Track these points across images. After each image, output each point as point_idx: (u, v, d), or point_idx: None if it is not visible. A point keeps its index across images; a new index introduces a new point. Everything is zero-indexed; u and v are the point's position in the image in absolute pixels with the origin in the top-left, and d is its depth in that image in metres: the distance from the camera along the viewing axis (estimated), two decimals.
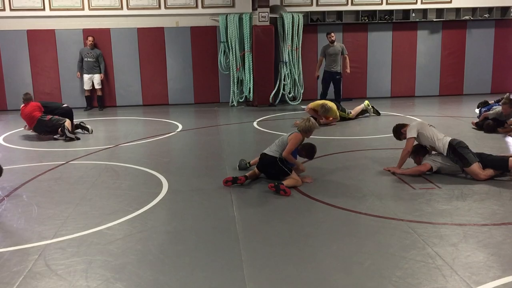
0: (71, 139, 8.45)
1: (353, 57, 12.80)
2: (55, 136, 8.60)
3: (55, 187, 5.89)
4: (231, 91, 12.28)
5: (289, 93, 12.39)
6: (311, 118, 5.97)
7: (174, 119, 10.37)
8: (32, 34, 11.92)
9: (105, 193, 5.62)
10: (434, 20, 12.97)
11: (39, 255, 3.98)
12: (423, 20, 12.97)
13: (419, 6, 12.88)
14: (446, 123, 9.38)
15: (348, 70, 11.44)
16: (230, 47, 12.02)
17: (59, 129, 8.53)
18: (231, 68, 12.18)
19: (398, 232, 4.29)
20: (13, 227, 4.68)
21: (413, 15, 12.85)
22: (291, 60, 12.14)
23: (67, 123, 8.64)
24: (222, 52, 12.12)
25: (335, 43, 11.25)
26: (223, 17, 11.94)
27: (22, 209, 5.09)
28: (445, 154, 5.89)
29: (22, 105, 8.71)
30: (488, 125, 8.40)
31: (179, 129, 9.40)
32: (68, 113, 8.96)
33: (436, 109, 11.50)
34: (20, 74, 12.01)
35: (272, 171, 5.83)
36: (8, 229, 4.63)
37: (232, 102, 12.30)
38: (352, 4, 12.72)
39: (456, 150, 5.81)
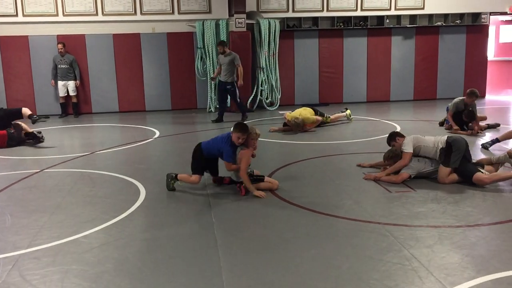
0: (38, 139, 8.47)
1: (329, 63, 12.96)
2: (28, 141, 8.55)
3: (29, 196, 5.78)
4: (209, 97, 12.27)
5: (267, 98, 12.44)
6: (254, 128, 5.89)
7: (151, 126, 10.29)
8: (5, 40, 11.70)
9: (81, 201, 5.54)
10: (408, 26, 13.22)
11: (13, 265, 3.89)
12: (397, 26, 13.20)
13: (393, 12, 13.11)
14: (420, 127, 9.55)
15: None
16: (207, 53, 12.02)
17: (25, 135, 8.51)
18: (208, 74, 12.17)
19: (375, 235, 4.34)
20: None
21: (387, 21, 13.08)
22: (268, 65, 12.21)
23: (24, 126, 8.57)
24: (199, 58, 12.11)
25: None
26: (199, 23, 11.94)
27: None
28: (438, 153, 5.88)
29: None
30: (468, 114, 8.63)
31: (156, 136, 9.34)
32: (15, 114, 8.83)
33: (410, 113, 11.70)
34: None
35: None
36: None
37: (210, 108, 12.28)
38: (327, 10, 12.87)
39: (451, 146, 5.82)
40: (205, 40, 11.96)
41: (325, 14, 12.89)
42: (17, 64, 11.86)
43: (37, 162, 7.39)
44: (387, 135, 6.37)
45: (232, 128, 5.80)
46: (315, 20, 12.92)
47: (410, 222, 4.65)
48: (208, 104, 12.28)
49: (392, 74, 13.44)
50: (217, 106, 11.03)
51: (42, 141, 8.61)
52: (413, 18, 13.21)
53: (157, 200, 5.53)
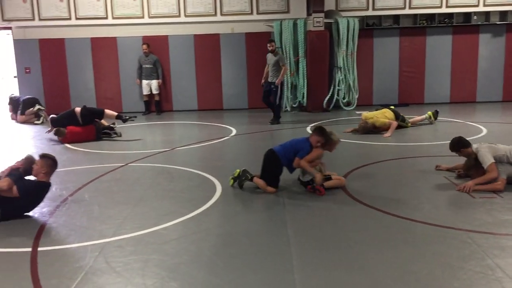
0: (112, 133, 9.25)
1: (411, 62, 12.53)
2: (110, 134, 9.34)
3: (114, 188, 6.13)
4: (285, 96, 12.32)
5: (344, 98, 12.27)
6: (334, 134, 5.85)
7: (228, 124, 10.51)
8: (96, 42, 12.48)
9: (161, 195, 5.79)
10: (497, 23, 12.44)
11: (99, 252, 4.15)
12: (485, 23, 12.47)
13: (481, 8, 12.40)
14: (509, 130, 8.97)
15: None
16: (284, 53, 12.07)
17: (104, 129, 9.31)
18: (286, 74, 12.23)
19: (456, 242, 4.15)
20: (76, 225, 4.91)
21: (475, 18, 12.39)
22: (345, 65, 12.04)
23: (102, 122, 9.44)
24: None
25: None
26: (277, 23, 12.02)
27: (85, 208, 5.33)
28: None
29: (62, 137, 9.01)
30: None
31: (233, 134, 9.53)
32: (96, 113, 9.51)
33: (498, 115, 11.01)
34: (83, 80, 12.59)
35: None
36: (72, 226, 4.87)
37: (286, 107, 12.33)
38: (409, 7, 12.44)
39: None
40: (283, 39, 12.02)
41: (407, 11, 12.46)
42: (106, 64, 12.60)
43: (122, 157, 7.81)
44: (454, 140, 6.02)
45: (311, 130, 5.77)
46: (396, 18, 12.53)
47: (496, 230, 4.39)
48: (284, 103, 12.32)
49: (479, 73, 12.72)
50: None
51: (120, 135, 9.27)
52: (503, 14, 12.41)
53: (232, 196, 5.65)
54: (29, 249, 4.23)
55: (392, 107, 9.77)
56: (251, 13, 12.45)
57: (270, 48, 10.50)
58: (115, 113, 9.64)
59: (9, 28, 12.29)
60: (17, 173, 5.09)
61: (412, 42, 12.57)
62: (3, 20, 12.20)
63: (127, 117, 9.63)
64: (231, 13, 12.45)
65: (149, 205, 5.44)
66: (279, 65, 10.43)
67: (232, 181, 5.92)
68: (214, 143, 8.79)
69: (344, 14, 12.25)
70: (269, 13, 12.41)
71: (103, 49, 12.52)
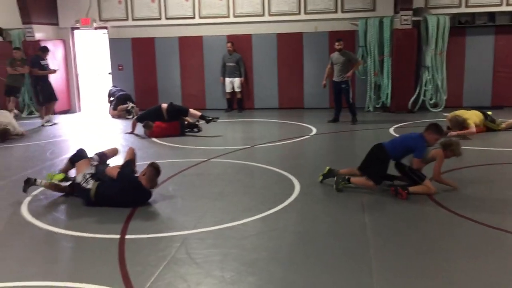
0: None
1: (507, 62, 11.75)
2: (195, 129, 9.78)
3: (197, 182, 6.34)
4: (368, 96, 12.05)
5: (431, 99, 11.77)
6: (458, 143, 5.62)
7: (309, 123, 10.47)
8: (183, 41, 12.95)
9: (241, 191, 5.91)
10: None
11: (181, 243, 4.33)
12: None
13: None
14: None
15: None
16: (369, 52, 11.80)
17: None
18: (368, 73, 11.96)
19: None
20: (161, 216, 5.16)
21: None
22: (434, 65, 11.53)
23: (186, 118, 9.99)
24: (360, 57, 11.94)
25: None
26: (362, 21, 11.77)
27: (168, 200, 5.57)
28: None
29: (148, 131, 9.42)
30: None
31: (313, 133, 9.48)
32: (181, 111, 9.95)
33: None
34: (171, 77, 13.12)
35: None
36: (156, 217, 5.12)
37: (368, 107, 12.05)
38: (507, 4, 11.64)
39: None
40: (367, 38, 11.76)
41: (504, 8, 11.67)
42: (192, 62, 13.05)
43: (204, 152, 8.06)
44: None
45: (425, 128, 5.60)
46: (491, 15, 11.78)
47: None
48: (367, 103, 12.06)
49: None
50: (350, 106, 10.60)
51: (201, 130, 9.72)
52: None
53: (311, 195, 5.64)
54: (118, 236, 4.50)
55: (489, 112, 9.24)
56: (336, 11, 12.29)
57: (338, 47, 10.30)
58: (199, 113, 10.01)
59: (105, 27, 13.10)
60: (127, 167, 5.57)
61: (509, 41, 11.76)
62: (100, 20, 13.03)
63: (210, 118, 9.94)
64: (315, 12, 12.37)
65: (229, 200, 5.57)
66: (348, 64, 10.23)
67: (321, 177, 5.97)
68: (294, 141, 8.80)
69: (434, 11, 11.72)
70: (354, 11, 12.18)
71: (190, 47, 12.97)
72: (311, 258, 3.98)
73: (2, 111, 10.13)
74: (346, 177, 5.71)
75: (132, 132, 9.72)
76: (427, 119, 10.75)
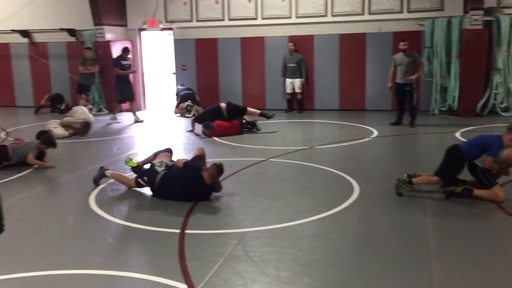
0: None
1: None
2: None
3: (255, 181, 6.40)
4: (433, 99, 11.65)
5: (501, 103, 11.20)
6: None
7: (370, 125, 10.27)
8: (245, 41, 13.10)
9: (300, 191, 5.90)
10: None
11: (239, 241, 4.39)
12: None
13: None
14: None
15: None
16: (435, 53, 11.41)
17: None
18: (434, 75, 11.56)
19: None
20: (219, 213, 5.25)
21: None
22: (506, 67, 10.97)
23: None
24: (426, 58, 11.57)
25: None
26: (429, 21, 11.39)
27: (227, 198, 5.66)
28: None
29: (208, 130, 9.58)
30: None
31: (374, 135, 9.29)
32: (240, 111, 10.12)
33: None
34: (232, 77, 13.30)
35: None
36: (215, 214, 5.21)
37: (433, 110, 11.65)
38: None
39: None
40: (434, 39, 11.36)
41: None
42: (253, 62, 13.16)
43: (263, 152, 8.11)
44: None
45: (507, 129, 5.37)
46: None
47: None
48: (432, 105, 11.66)
49: None
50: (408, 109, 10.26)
51: (260, 130, 9.79)
52: None
53: (370, 198, 5.53)
54: (178, 231, 4.63)
55: None
56: (401, 11, 11.97)
57: (403, 47, 10.01)
58: (258, 111, 10.11)
59: (171, 28, 13.50)
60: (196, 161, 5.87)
61: None
62: (166, 21, 13.44)
63: (270, 115, 10.05)
64: (379, 12, 12.12)
65: (287, 200, 5.58)
66: (412, 65, 9.93)
67: (403, 188, 5.55)
68: (354, 143, 8.66)
69: (507, 11, 11.14)
70: (421, 11, 11.81)
71: (251, 48, 13.09)
72: (369, 262, 3.91)
73: (77, 107, 10.74)
74: (408, 180, 5.54)
75: (192, 131, 9.93)
76: (497, 123, 10.25)
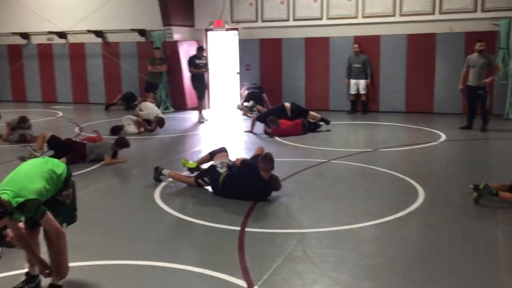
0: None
1: None
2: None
3: (316, 182, 6.36)
4: (507, 103, 11.05)
5: None
6: None
7: (438, 128, 9.89)
8: (309, 42, 13.03)
9: (361, 194, 5.79)
10: None
11: (298, 241, 4.38)
12: None
13: None
14: None
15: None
16: (511, 55, 10.81)
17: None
18: (509, 78, 10.95)
19: None
20: (279, 212, 5.26)
21: None
22: None
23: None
24: (501, 60, 10.98)
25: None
26: (505, 21, 10.82)
27: (287, 198, 5.66)
28: None
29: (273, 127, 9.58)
30: None
31: (442, 139, 8.95)
32: (302, 112, 10.09)
33: None
34: (296, 78, 13.28)
35: None
36: (275, 213, 5.23)
37: (507, 114, 11.04)
38: None
39: None
40: (510, 40, 10.77)
41: None
42: (317, 63, 13.06)
43: (324, 153, 8.03)
44: None
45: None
46: None
47: None
48: (506, 110, 11.05)
49: None
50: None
51: (321, 131, 9.87)
52: None
53: (436, 205, 5.33)
54: (238, 228, 4.69)
55: None
56: (475, 10, 11.44)
57: (480, 48, 9.51)
58: (319, 116, 10.13)
59: (236, 29, 13.68)
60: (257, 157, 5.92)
61: None
62: (232, 22, 13.64)
63: (330, 121, 10.09)
64: (451, 11, 11.65)
65: (348, 203, 5.49)
66: (487, 67, 9.43)
67: (475, 194, 5.26)
68: (420, 147, 8.38)
69: None
70: (496, 10, 11.23)
71: (316, 48, 13.00)
72: (433, 271, 3.78)
73: (147, 103, 11.22)
74: (495, 191, 5.17)
75: (251, 131, 9.97)
76: None
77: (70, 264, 3.48)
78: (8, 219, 3.07)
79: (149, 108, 10.74)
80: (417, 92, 12.20)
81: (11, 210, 3.05)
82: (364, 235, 4.51)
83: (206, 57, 11.95)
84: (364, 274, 3.73)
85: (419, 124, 10.55)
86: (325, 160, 7.47)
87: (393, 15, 12.16)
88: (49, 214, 3.18)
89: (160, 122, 10.33)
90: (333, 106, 12.82)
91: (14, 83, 16.17)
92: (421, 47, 12.01)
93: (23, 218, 3.33)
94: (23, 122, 9.24)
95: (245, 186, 5.55)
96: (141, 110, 10.68)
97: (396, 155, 7.90)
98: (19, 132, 9.09)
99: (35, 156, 7.01)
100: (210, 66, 12.22)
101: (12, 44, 15.84)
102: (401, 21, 12.11)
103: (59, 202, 3.32)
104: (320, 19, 12.83)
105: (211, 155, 6.32)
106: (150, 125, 10.28)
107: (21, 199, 3.08)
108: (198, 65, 11.68)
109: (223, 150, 6.32)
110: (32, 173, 3.29)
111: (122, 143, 7.72)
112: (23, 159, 6.86)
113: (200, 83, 11.85)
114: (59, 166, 3.49)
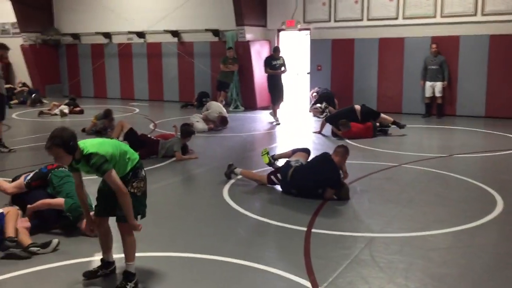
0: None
1: None
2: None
3: (386, 186, 6.19)
4: None
5: None
6: None
7: None
8: (383, 42, 12.71)
9: (433, 200, 5.57)
10: None
11: (365, 245, 4.29)
12: None
13: None
14: None
15: None
16: None
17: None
18: None
19: None
20: (347, 215, 5.18)
21: None
22: None
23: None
24: None
25: None
26: None
27: (355, 201, 5.57)
28: None
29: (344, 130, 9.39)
30: None
31: None
32: (374, 114, 9.82)
33: None
34: (368, 79, 13.00)
35: None
36: (343, 215, 5.16)
37: None
38: None
39: None
40: None
41: None
42: (391, 64, 12.70)
43: (396, 157, 7.80)
44: None
45: None
46: None
47: None
48: None
49: None
50: None
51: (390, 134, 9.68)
52: None
53: None
54: (304, 228, 4.67)
55: None
56: None
57: None
58: (391, 119, 9.86)
59: (308, 29, 13.62)
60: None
61: None
62: (304, 22, 13.60)
63: (403, 125, 9.76)
64: None
65: (419, 209, 5.31)
66: None
67: None
68: (501, 154, 7.91)
69: None
70: None
71: (390, 49, 12.65)
72: (510, 285, 3.56)
73: (213, 102, 11.49)
74: None
75: (319, 132, 9.88)
76: None
77: (140, 254, 3.62)
78: (73, 161, 3.36)
79: (213, 107, 10.96)
80: (499, 96, 11.53)
81: (79, 156, 3.34)
82: (435, 243, 4.34)
83: (283, 58, 11.56)
84: (434, 283, 3.58)
85: (500, 130, 9.96)
86: (396, 164, 7.26)
87: (474, 15, 11.57)
88: (114, 173, 3.40)
89: (223, 120, 10.53)
90: (406, 109, 12.42)
91: (96, 80, 17.12)
92: (505, 48, 11.33)
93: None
94: (109, 114, 9.93)
95: (315, 171, 5.60)
96: (207, 110, 10.95)
97: (473, 162, 7.53)
98: (103, 122, 9.79)
99: None
100: (288, 67, 11.73)
101: (95, 43, 16.77)
102: (483, 21, 11.50)
103: (130, 193, 3.48)
104: (396, 18, 12.47)
105: (293, 152, 6.37)
106: (215, 124, 10.51)
107: (92, 151, 3.35)
108: (274, 65, 11.36)
109: (305, 151, 6.32)
110: (106, 142, 3.56)
111: (187, 133, 7.90)
112: None
113: (275, 87, 11.47)
114: (132, 153, 3.65)
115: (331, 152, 5.96)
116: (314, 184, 5.54)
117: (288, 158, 6.26)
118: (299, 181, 5.64)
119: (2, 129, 8.61)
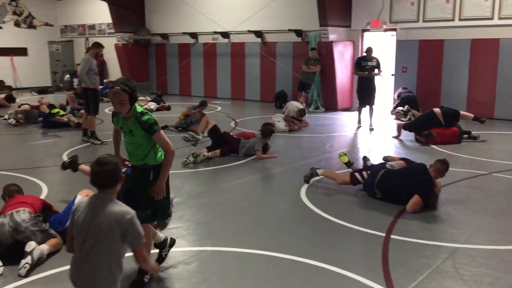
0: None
1: None
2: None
3: (473, 195, 5.86)
4: None
5: None
6: None
7: None
8: (476, 43, 12.02)
9: None
10: None
11: (448, 255, 4.09)
12: None
13: None
14: None
15: None
16: None
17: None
18: None
19: None
20: (429, 223, 4.96)
21: None
22: None
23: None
24: None
25: None
26: None
27: (439, 209, 5.31)
28: None
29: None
30: None
31: None
32: (454, 115, 9.29)
33: None
34: (457, 82, 12.34)
35: None
36: (425, 223, 4.94)
37: None
38: None
39: None
40: None
41: None
42: (484, 66, 11.96)
43: (485, 164, 7.36)
44: None
45: None
46: None
47: None
48: None
49: None
50: None
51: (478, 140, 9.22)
52: None
53: None
54: (383, 234, 4.55)
55: None
56: None
57: None
58: (472, 115, 9.47)
59: (394, 29, 13.20)
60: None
61: None
62: (390, 22, 13.19)
63: (485, 119, 9.44)
64: None
65: (509, 220, 4.97)
66: None
67: None
68: None
69: None
70: None
71: (483, 51, 11.92)
72: None
73: (292, 101, 11.57)
74: None
75: (397, 137, 9.50)
76: None
77: (216, 249, 3.70)
78: (134, 111, 3.45)
79: (292, 104, 11.05)
80: None
81: (132, 114, 3.45)
82: None
83: (377, 59, 10.69)
84: None
85: None
86: (486, 173, 6.84)
87: None
88: (162, 133, 3.51)
89: (301, 112, 10.69)
90: (498, 114, 11.66)
91: (181, 79, 17.80)
92: None
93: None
94: (204, 103, 10.93)
95: (408, 174, 5.46)
96: (286, 108, 11.06)
97: None
98: (198, 110, 10.48)
99: (197, 139, 7.73)
100: (381, 69, 10.78)
101: (182, 43, 17.43)
102: None
103: (166, 186, 3.55)
104: (491, 18, 11.74)
105: (402, 159, 6.21)
106: (295, 123, 10.53)
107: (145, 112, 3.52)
108: (364, 67, 10.53)
109: (406, 160, 6.09)
110: None
111: (268, 132, 7.98)
112: (187, 140, 7.85)
113: (361, 88, 10.79)
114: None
115: (428, 164, 5.70)
116: (402, 188, 5.37)
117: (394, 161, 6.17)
118: (387, 184, 5.49)
119: (95, 122, 9.24)
